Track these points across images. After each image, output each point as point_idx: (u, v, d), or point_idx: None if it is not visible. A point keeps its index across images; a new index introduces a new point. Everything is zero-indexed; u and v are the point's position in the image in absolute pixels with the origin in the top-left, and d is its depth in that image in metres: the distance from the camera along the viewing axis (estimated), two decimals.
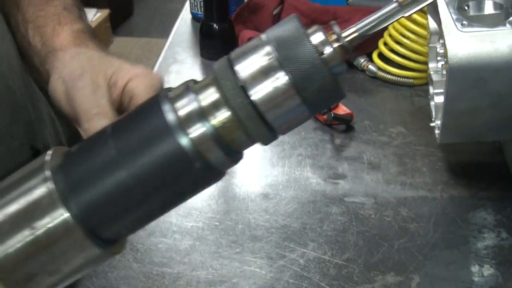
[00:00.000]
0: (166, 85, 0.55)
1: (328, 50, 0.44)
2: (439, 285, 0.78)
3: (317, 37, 0.44)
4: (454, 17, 0.80)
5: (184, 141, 0.44)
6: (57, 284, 0.48)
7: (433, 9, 0.91)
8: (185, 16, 1.44)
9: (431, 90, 0.97)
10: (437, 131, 0.90)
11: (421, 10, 0.46)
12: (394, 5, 0.45)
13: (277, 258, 0.82)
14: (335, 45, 0.44)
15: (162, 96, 0.46)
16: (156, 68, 1.26)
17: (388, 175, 0.95)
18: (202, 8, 1.31)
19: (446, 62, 0.79)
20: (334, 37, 0.45)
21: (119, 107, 0.58)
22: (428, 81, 1.00)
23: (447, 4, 0.82)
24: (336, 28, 0.45)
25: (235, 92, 0.44)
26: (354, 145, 1.02)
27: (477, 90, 0.79)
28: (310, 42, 0.44)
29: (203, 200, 0.90)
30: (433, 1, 0.46)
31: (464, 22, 0.79)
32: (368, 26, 0.45)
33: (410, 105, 1.11)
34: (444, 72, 0.92)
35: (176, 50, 1.32)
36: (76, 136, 0.93)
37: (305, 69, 0.43)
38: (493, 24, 0.79)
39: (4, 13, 0.72)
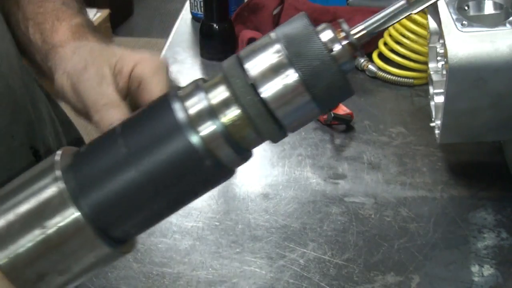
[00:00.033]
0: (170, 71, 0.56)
1: (337, 47, 0.44)
2: (439, 285, 0.78)
3: (326, 35, 0.44)
4: (454, 17, 0.80)
5: (194, 139, 0.44)
6: (67, 284, 0.48)
7: (433, 9, 0.91)
8: (185, 16, 1.44)
9: (431, 90, 0.97)
10: (437, 131, 0.90)
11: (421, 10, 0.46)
12: (402, 2, 0.45)
13: (277, 258, 0.82)
14: (344, 42, 0.45)
15: (172, 95, 0.46)
16: None
17: (388, 175, 0.95)
18: (202, 8, 1.31)
19: (446, 62, 0.79)
20: (342, 34, 0.45)
21: (128, 94, 0.58)
22: (428, 81, 1.00)
23: (447, 4, 0.82)
24: (345, 26, 0.45)
25: (245, 89, 0.44)
26: (354, 145, 1.02)
27: (477, 90, 0.79)
28: (320, 39, 0.44)
29: (203, 200, 0.90)
30: (434, 1, 0.46)
31: (464, 22, 0.79)
32: (377, 24, 0.45)
33: (410, 105, 1.11)
34: (444, 72, 0.92)
35: (176, 50, 1.32)
36: (77, 139, 0.93)
37: (314, 66, 0.43)
38: (493, 24, 0.79)
39: (4, 12, 0.72)
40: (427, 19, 0.98)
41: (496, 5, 0.86)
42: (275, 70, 0.44)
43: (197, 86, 0.46)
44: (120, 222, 0.47)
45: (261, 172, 0.96)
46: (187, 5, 1.44)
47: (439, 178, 0.94)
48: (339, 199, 0.91)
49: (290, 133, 0.47)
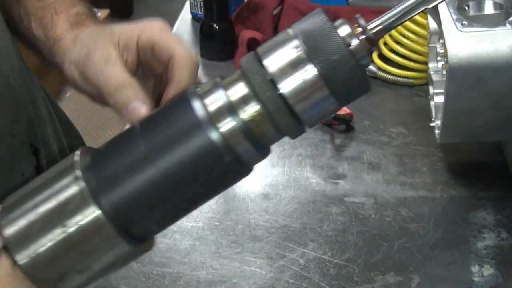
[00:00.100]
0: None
1: (355, 42, 0.45)
2: (439, 285, 0.78)
3: (343, 30, 0.45)
4: (454, 17, 0.80)
5: (214, 135, 0.45)
6: (87, 283, 0.48)
7: (433, 9, 0.91)
8: (185, 16, 1.44)
9: (431, 90, 0.97)
10: (437, 131, 0.90)
11: None
12: None
13: (277, 258, 0.82)
14: (361, 37, 0.45)
15: (191, 92, 0.47)
16: None
17: (388, 175, 0.95)
18: (202, 8, 1.31)
19: (446, 62, 0.79)
20: (359, 29, 0.45)
21: (140, 65, 0.58)
22: (428, 81, 1.00)
23: (447, 4, 0.82)
24: (362, 21, 0.46)
25: (264, 85, 0.45)
26: (354, 145, 1.02)
27: (477, 90, 0.79)
28: (338, 34, 0.44)
29: None
30: None
31: (464, 22, 0.79)
32: (393, 19, 0.46)
33: (410, 105, 1.11)
34: (444, 72, 0.92)
35: None
36: (77, 138, 0.93)
37: (333, 61, 0.44)
38: (493, 24, 0.79)
39: (5, 9, 0.72)
40: (427, 19, 0.98)
41: (496, 5, 0.86)
42: (294, 65, 0.44)
43: (216, 83, 0.47)
44: (140, 220, 0.47)
45: (261, 172, 0.96)
46: (187, 5, 1.44)
47: (439, 178, 0.94)
48: (339, 199, 0.91)
49: (308, 128, 0.47)
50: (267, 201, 0.91)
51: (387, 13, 0.46)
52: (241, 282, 0.79)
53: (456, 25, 0.79)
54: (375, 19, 0.46)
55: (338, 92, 0.45)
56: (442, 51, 0.94)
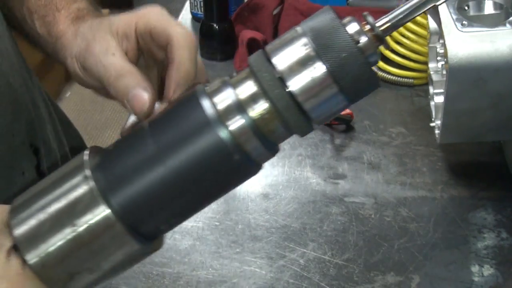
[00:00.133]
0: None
1: (363, 39, 0.45)
2: (439, 285, 0.78)
3: (352, 27, 0.45)
4: (454, 17, 0.80)
5: (223, 133, 0.45)
6: (96, 282, 0.49)
7: (433, 9, 0.91)
8: (185, 16, 1.44)
9: (431, 90, 0.97)
10: (437, 131, 0.90)
11: None
12: None
13: (277, 258, 0.82)
14: (370, 34, 0.45)
15: (200, 91, 0.47)
16: None
17: (388, 175, 0.95)
18: (202, 8, 1.31)
19: (446, 62, 0.79)
20: (368, 27, 0.45)
21: (142, 53, 0.58)
22: (428, 81, 1.00)
23: (447, 4, 0.82)
24: (370, 18, 0.46)
25: (273, 83, 0.45)
26: (354, 145, 1.02)
27: (477, 90, 0.79)
28: (346, 31, 0.44)
29: None
30: None
31: (464, 22, 0.79)
32: (401, 16, 0.46)
33: (410, 105, 1.11)
34: (444, 72, 0.92)
35: None
36: (77, 138, 0.93)
37: (342, 58, 0.44)
38: (493, 24, 0.79)
39: (8, 9, 0.72)
40: (427, 19, 0.98)
41: (496, 5, 0.86)
42: (302, 63, 0.44)
43: (225, 82, 0.47)
44: (150, 218, 0.48)
45: (261, 172, 0.95)
46: (187, 5, 1.44)
47: (439, 178, 0.94)
48: (339, 199, 0.91)
49: (316, 126, 0.47)
50: (267, 201, 0.91)
51: (396, 10, 0.46)
52: (241, 282, 0.79)
53: (456, 25, 0.79)
54: (383, 16, 0.46)
55: (347, 89, 0.45)
56: (442, 51, 0.94)
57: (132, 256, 0.48)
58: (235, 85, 0.46)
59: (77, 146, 0.92)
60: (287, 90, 0.45)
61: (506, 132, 0.86)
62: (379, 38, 0.45)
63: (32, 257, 0.46)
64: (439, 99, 0.93)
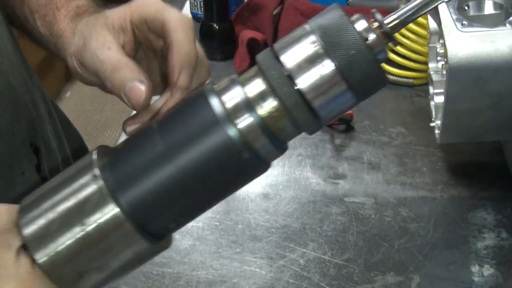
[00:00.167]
0: None
1: (372, 36, 0.45)
2: (439, 285, 0.78)
3: (360, 24, 0.45)
4: (454, 17, 0.80)
5: (232, 132, 0.45)
6: (105, 282, 0.49)
7: (433, 9, 0.91)
8: None
9: (431, 90, 0.97)
10: (437, 131, 0.90)
11: None
12: None
13: (277, 258, 0.82)
14: (378, 31, 0.45)
15: (208, 89, 0.47)
16: None
17: (388, 175, 0.95)
18: (202, 8, 1.31)
19: (446, 62, 0.79)
20: (376, 24, 0.45)
21: (140, 44, 0.58)
22: (428, 81, 1.00)
23: (447, 4, 0.82)
24: (378, 16, 0.46)
25: (281, 81, 0.45)
26: (354, 145, 1.02)
27: (477, 90, 0.79)
28: (355, 29, 0.44)
29: None
30: None
31: (464, 22, 0.79)
32: (409, 13, 0.46)
33: (410, 105, 1.11)
34: (444, 72, 0.92)
35: None
36: (77, 138, 0.93)
37: (351, 56, 0.44)
38: (493, 24, 0.79)
39: (10, 8, 0.72)
40: (427, 19, 0.98)
41: (496, 5, 0.86)
42: (311, 61, 0.44)
43: (233, 80, 0.47)
44: (159, 217, 0.48)
45: None
46: (187, 5, 1.44)
47: (439, 178, 0.94)
48: (339, 199, 0.91)
49: (325, 124, 0.47)
50: (267, 201, 0.91)
51: (404, 7, 0.46)
52: (241, 282, 0.79)
53: (456, 25, 0.79)
54: (391, 14, 0.46)
55: (356, 87, 0.45)
56: (442, 51, 0.94)
57: (141, 255, 0.48)
58: (243, 83, 0.46)
59: (77, 146, 0.92)
60: (295, 88, 0.45)
61: (506, 132, 0.86)
62: (387, 35, 0.45)
63: (41, 256, 0.46)
64: (439, 99, 0.93)
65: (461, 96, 0.80)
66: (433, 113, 0.95)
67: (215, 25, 1.24)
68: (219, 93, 0.46)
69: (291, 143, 1.10)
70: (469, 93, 0.80)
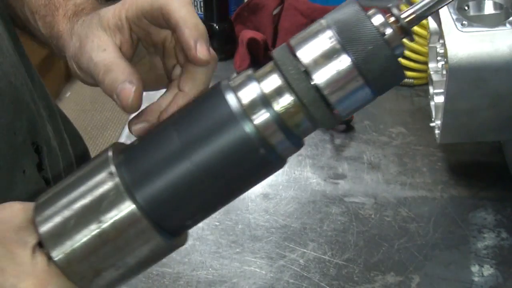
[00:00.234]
0: None
1: (389, 31, 0.44)
2: (439, 285, 0.78)
3: (377, 19, 0.45)
4: (454, 17, 0.80)
5: (248, 128, 0.45)
6: (122, 279, 0.49)
7: None
8: None
9: (431, 90, 0.97)
10: (437, 131, 0.90)
11: None
12: None
13: (277, 258, 0.82)
14: (395, 26, 0.45)
15: (224, 85, 0.47)
16: None
17: (388, 175, 0.95)
18: (202, 8, 1.31)
19: (446, 62, 0.79)
20: (392, 19, 0.45)
21: (139, 40, 0.57)
22: (428, 81, 1.00)
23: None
24: (395, 10, 0.45)
25: (298, 76, 0.45)
26: (354, 145, 1.02)
27: (477, 90, 0.79)
28: (372, 24, 0.44)
29: None
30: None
31: (464, 22, 0.79)
32: (426, 7, 0.45)
33: (410, 105, 1.11)
34: (444, 72, 0.92)
35: None
36: (77, 137, 0.93)
37: (368, 51, 0.44)
38: (493, 24, 0.79)
39: (11, 9, 0.72)
40: (427, 19, 0.98)
41: (496, 5, 0.86)
42: (327, 56, 0.44)
43: (249, 76, 0.47)
44: (175, 214, 0.48)
45: None
46: None
47: (439, 178, 0.94)
48: (339, 199, 0.91)
49: (341, 120, 0.47)
50: (267, 201, 0.91)
51: (420, 2, 0.45)
52: (241, 282, 0.79)
53: (456, 25, 0.79)
54: (408, 8, 0.46)
55: (373, 82, 0.44)
56: (442, 51, 0.94)
57: (158, 252, 0.48)
58: (259, 79, 0.46)
59: (78, 146, 0.92)
60: (312, 83, 0.44)
61: (506, 132, 0.86)
62: (404, 30, 0.45)
63: (58, 254, 0.46)
64: (439, 99, 0.93)
65: (461, 96, 0.80)
66: (433, 113, 0.95)
67: (215, 25, 1.24)
68: (235, 89, 0.46)
69: None
70: (469, 93, 0.80)
